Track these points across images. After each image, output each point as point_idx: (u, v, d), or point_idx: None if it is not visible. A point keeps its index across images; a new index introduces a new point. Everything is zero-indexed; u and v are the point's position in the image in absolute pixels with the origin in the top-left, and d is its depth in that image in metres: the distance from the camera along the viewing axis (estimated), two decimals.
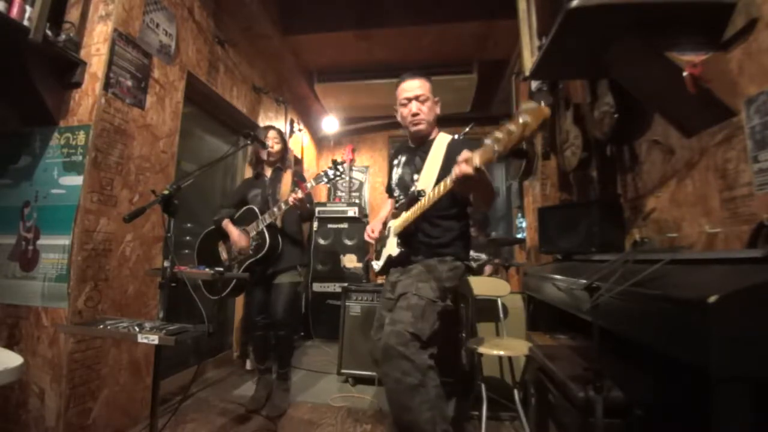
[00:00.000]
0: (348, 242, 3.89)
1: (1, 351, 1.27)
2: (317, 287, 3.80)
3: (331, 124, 4.50)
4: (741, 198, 1.14)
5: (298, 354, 3.13)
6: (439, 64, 3.59)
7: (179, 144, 2.29)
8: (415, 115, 1.60)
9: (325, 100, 4.24)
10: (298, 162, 4.15)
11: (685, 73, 1.13)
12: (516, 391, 1.84)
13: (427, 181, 1.53)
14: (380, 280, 3.53)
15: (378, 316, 1.66)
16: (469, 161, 1.08)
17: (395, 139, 4.86)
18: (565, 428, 1.18)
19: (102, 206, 1.74)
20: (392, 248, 1.60)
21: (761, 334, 0.67)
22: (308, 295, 3.81)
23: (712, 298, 0.68)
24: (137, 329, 1.15)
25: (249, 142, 1.94)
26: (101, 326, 1.20)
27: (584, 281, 1.05)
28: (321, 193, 4.88)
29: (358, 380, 2.52)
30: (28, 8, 1.47)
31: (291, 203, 1.95)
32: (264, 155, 2.24)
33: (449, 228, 1.59)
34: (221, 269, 1.53)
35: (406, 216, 1.54)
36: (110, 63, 1.76)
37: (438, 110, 1.67)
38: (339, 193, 4.92)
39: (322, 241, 3.94)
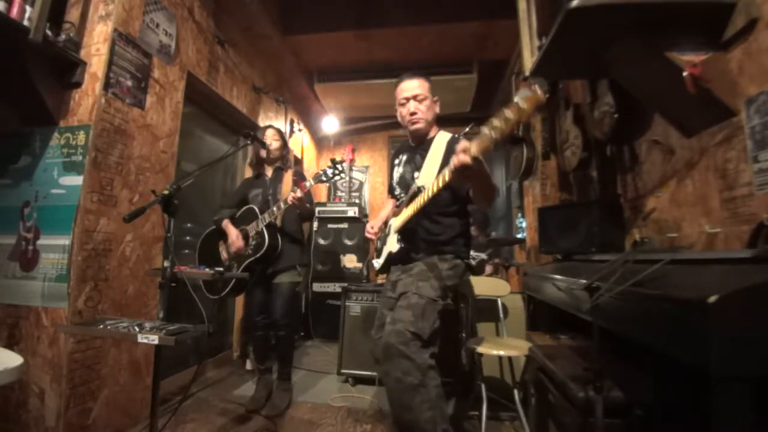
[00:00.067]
0: (348, 242, 3.89)
1: (1, 351, 1.27)
2: (317, 287, 3.80)
3: (331, 124, 4.50)
4: (741, 198, 1.14)
5: (298, 354, 3.13)
6: (439, 64, 3.59)
7: (179, 144, 2.28)
8: (412, 114, 1.62)
9: (325, 100, 4.24)
10: (298, 162, 4.15)
11: (685, 73, 1.13)
12: (516, 391, 1.84)
13: (428, 177, 1.53)
14: (380, 280, 3.53)
15: (379, 314, 1.66)
16: (466, 151, 1.09)
17: (395, 139, 4.86)
18: (565, 428, 1.18)
19: (102, 206, 1.74)
20: (392, 245, 1.61)
21: (761, 334, 0.67)
22: (308, 295, 3.81)
23: (712, 298, 0.68)
24: (137, 329, 1.15)
25: (249, 142, 1.94)
26: (101, 326, 1.20)
27: (584, 281, 1.05)
28: (321, 193, 4.88)
29: (358, 380, 2.52)
30: (28, 8, 1.47)
31: (290, 202, 1.95)
32: (264, 154, 2.24)
33: (450, 225, 1.59)
34: (221, 269, 1.53)
35: (406, 212, 1.55)
36: (110, 63, 1.76)
37: (437, 109, 1.68)
38: (339, 193, 4.92)
39: (322, 241, 3.94)
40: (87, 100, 1.73)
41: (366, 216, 4.08)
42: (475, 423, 1.90)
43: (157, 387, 1.22)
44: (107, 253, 1.77)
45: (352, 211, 3.92)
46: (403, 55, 3.57)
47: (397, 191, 1.74)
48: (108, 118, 1.77)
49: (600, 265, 1.26)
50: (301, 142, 4.23)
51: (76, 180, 1.67)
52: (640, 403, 0.94)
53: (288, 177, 2.21)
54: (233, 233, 2.11)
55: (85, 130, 1.70)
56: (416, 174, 1.63)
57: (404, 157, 1.75)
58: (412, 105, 1.62)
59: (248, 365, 2.81)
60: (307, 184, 1.99)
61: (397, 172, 1.76)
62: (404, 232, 1.59)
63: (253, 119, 3.19)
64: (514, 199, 4.03)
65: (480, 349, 1.81)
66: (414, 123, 1.64)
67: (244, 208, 2.21)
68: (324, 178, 1.97)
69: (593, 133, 1.85)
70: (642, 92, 1.46)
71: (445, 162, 1.51)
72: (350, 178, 4.86)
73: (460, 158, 1.10)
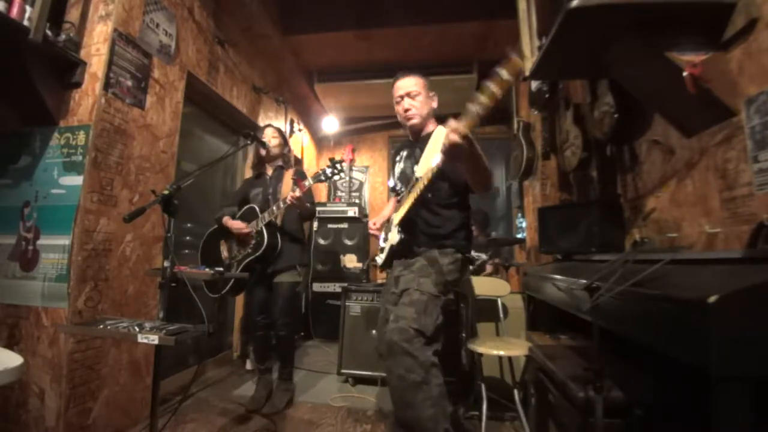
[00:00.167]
0: (348, 242, 3.89)
1: (1, 351, 1.27)
2: (317, 287, 3.80)
3: (331, 124, 4.50)
4: (741, 198, 1.14)
5: (298, 354, 3.12)
6: (439, 64, 3.59)
7: (179, 144, 2.29)
8: (407, 110, 1.66)
9: (325, 100, 4.24)
10: (298, 162, 4.14)
11: (685, 73, 1.13)
12: (516, 391, 1.84)
13: (426, 168, 1.54)
14: (380, 279, 3.54)
15: (383, 311, 1.68)
16: (456, 130, 1.11)
17: (395, 139, 4.86)
18: (565, 428, 1.18)
19: (102, 206, 1.74)
20: (394, 238, 1.61)
21: (761, 334, 0.67)
22: (308, 295, 3.81)
23: (712, 298, 0.68)
24: (137, 329, 1.15)
25: (249, 142, 1.94)
26: (101, 326, 1.20)
27: (584, 281, 1.05)
28: (321, 193, 4.88)
29: (358, 380, 2.52)
30: (28, 8, 1.47)
31: (289, 201, 1.95)
32: (263, 153, 2.24)
33: (449, 218, 1.60)
34: (221, 269, 1.53)
35: (406, 203, 1.56)
36: (110, 63, 1.76)
37: (434, 104, 1.71)
38: (339, 193, 4.92)
39: (322, 241, 3.94)
40: (87, 100, 1.73)
41: (366, 216, 4.08)
42: (475, 423, 1.90)
43: (157, 387, 1.22)
44: (107, 253, 1.77)
45: (352, 211, 3.91)
46: (403, 55, 3.57)
47: (399, 186, 1.76)
48: (108, 118, 1.77)
49: (600, 265, 1.26)
50: (301, 142, 4.23)
51: (76, 180, 1.67)
52: (640, 403, 0.94)
53: (288, 176, 2.22)
54: (235, 224, 2.12)
55: (85, 130, 1.70)
56: (416, 167, 1.64)
57: (405, 153, 1.77)
58: (406, 102, 1.66)
59: (248, 365, 2.81)
60: (306, 183, 2.00)
61: (398, 167, 1.78)
62: (405, 223, 1.59)
63: (253, 119, 3.19)
64: (514, 199, 4.04)
65: (480, 349, 1.81)
66: (409, 119, 1.67)
67: (245, 207, 2.21)
68: (323, 178, 1.98)
69: (593, 133, 1.85)
70: (642, 92, 1.46)
71: None
72: (350, 178, 4.86)
73: (449, 137, 1.12)
